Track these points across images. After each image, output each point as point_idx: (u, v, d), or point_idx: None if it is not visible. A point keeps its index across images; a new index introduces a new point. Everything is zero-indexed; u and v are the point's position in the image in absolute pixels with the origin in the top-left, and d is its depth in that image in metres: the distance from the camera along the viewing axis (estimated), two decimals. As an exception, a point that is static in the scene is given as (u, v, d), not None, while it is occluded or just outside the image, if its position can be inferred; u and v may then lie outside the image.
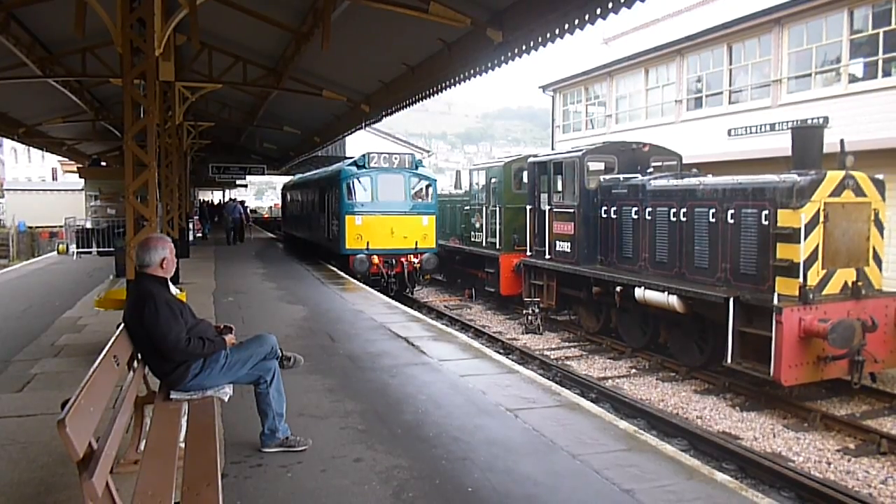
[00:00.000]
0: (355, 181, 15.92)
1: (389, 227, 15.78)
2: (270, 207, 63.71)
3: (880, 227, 8.59)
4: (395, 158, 16.50)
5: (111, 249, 17.13)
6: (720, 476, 4.38)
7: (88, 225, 21.43)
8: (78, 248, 20.14)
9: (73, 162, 30.94)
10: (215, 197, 54.39)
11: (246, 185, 49.12)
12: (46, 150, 28.48)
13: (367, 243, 15.60)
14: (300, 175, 27.81)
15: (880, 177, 8.64)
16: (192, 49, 12.72)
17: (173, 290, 4.44)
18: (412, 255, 15.86)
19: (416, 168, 16.68)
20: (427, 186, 16.63)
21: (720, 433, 7.60)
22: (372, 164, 16.08)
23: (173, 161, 15.67)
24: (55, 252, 22.16)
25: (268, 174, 36.84)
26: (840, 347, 7.61)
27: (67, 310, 10.50)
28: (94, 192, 22.62)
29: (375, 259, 15.58)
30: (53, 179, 52.93)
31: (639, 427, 6.16)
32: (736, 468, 6.57)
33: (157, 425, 3.77)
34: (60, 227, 23.74)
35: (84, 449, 2.60)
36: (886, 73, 13.65)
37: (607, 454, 4.66)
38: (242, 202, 33.21)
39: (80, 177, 25.80)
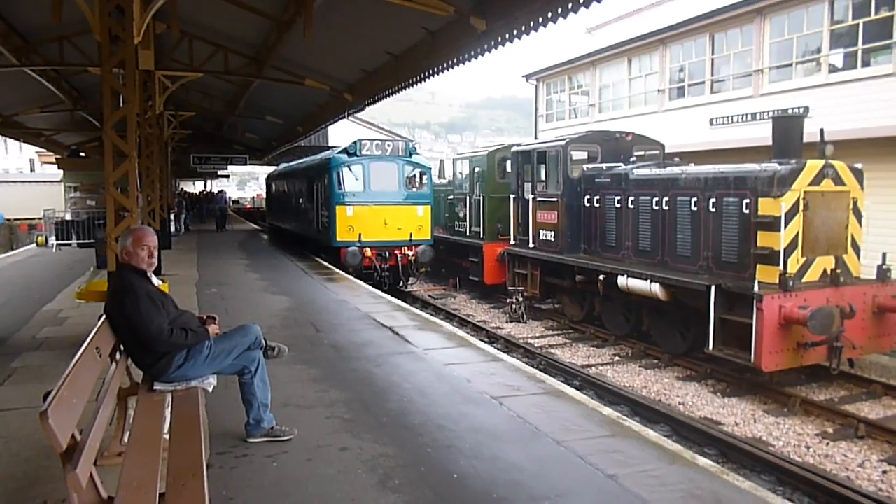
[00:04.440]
0: (346, 169, 15.15)
1: (382, 217, 15.08)
2: (253, 198, 63.33)
3: (859, 216, 8.71)
4: (388, 145, 15.71)
5: (91, 241, 16.91)
6: (702, 461, 4.44)
7: (68, 217, 21.15)
8: (57, 240, 19.86)
9: (51, 153, 30.40)
10: (197, 188, 53.86)
11: (228, 176, 48.69)
12: (23, 141, 27.98)
13: (360, 235, 14.88)
14: (286, 164, 27.27)
15: (859, 166, 8.76)
16: (172, 37, 12.55)
17: (155, 281, 4.40)
18: (406, 248, 15.24)
19: (410, 155, 15.80)
20: (422, 174, 15.88)
21: (702, 419, 7.71)
22: (363, 152, 15.21)
23: (154, 151, 15.48)
24: (34, 244, 21.80)
25: (250, 164, 36.49)
26: (819, 334, 7.74)
27: (48, 303, 10.37)
28: (74, 183, 22.28)
29: (368, 252, 14.92)
30: (31, 170, 52.09)
31: (622, 413, 6.24)
32: (717, 453, 6.66)
33: (140, 417, 3.74)
34: (39, 218, 23.35)
35: (67, 440, 2.58)
36: (866, 64, 13.80)
37: (591, 440, 4.70)
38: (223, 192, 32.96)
39: (59, 168, 25.31)
